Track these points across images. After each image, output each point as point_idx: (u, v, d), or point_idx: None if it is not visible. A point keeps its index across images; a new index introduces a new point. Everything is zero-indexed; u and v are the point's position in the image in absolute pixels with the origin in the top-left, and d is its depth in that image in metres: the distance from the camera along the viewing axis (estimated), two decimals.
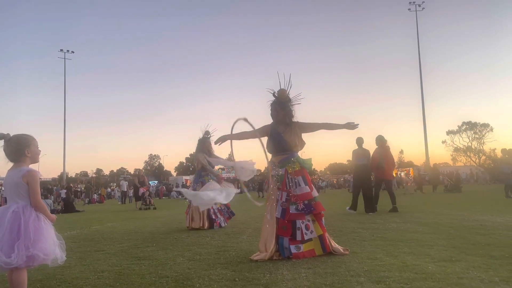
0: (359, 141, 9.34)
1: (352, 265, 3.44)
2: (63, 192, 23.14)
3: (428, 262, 3.47)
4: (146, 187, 16.36)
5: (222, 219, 6.94)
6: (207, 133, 7.34)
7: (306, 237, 3.96)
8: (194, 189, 6.88)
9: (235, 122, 4.37)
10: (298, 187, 4.09)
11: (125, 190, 24.59)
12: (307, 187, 4.10)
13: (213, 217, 6.82)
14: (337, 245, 4.11)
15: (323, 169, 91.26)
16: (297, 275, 3.19)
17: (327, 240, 4.02)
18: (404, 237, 4.98)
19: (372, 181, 9.64)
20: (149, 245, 5.20)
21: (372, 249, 4.22)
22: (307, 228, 3.99)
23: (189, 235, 5.97)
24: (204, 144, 7.25)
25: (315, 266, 3.48)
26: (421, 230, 5.61)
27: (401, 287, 2.73)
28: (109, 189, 40.56)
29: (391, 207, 8.93)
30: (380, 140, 9.46)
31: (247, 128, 4.44)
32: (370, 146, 9.56)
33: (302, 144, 4.33)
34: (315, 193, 4.15)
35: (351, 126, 4.25)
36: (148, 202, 15.70)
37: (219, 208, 6.95)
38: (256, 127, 4.41)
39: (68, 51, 50.64)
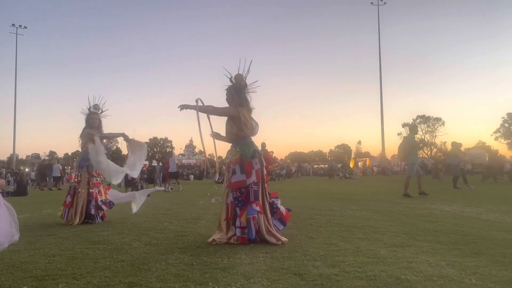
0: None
1: (309, 250, 3.52)
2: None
3: (381, 247, 3.62)
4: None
5: (100, 215, 5.94)
6: (96, 107, 6.22)
7: (238, 224, 3.96)
8: (79, 174, 5.99)
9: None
10: (234, 176, 4.11)
11: None
12: (243, 175, 4.06)
13: (93, 212, 5.85)
14: (276, 233, 3.99)
15: (283, 158, 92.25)
16: (255, 259, 3.22)
17: (257, 227, 3.92)
18: (359, 223, 5.14)
19: None
20: (104, 229, 5.06)
21: (328, 234, 4.34)
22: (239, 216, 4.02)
23: (147, 220, 5.87)
24: (92, 120, 6.09)
25: (272, 251, 3.52)
26: (375, 217, 5.82)
27: (354, 270, 2.82)
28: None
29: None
30: (261, 145, 13.58)
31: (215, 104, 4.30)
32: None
33: (247, 129, 4.20)
34: (250, 180, 4.02)
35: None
36: (139, 188, 12.17)
37: (103, 200, 6.05)
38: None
39: (20, 26, 47.91)
